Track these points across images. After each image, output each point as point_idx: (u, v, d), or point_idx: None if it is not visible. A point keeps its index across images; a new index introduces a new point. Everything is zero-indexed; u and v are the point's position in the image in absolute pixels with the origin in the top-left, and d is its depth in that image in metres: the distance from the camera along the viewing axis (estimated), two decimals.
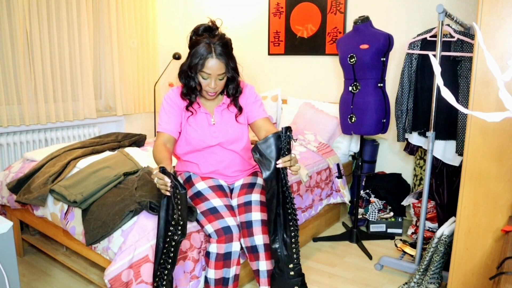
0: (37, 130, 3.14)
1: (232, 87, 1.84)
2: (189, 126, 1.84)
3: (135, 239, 1.62)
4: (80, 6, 3.21)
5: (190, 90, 1.79)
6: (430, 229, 2.60)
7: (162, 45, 3.99)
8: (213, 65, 1.67)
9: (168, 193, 1.46)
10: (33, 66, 3.00)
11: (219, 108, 1.87)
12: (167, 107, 1.83)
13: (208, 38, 1.68)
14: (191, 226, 1.75)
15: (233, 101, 1.88)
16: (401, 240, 2.77)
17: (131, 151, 2.40)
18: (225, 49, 1.69)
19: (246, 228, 1.76)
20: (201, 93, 1.80)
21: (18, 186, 2.15)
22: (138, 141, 2.72)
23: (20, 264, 2.36)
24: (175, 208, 1.48)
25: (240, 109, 1.88)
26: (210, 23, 1.73)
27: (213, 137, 1.85)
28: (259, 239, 1.73)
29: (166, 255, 1.53)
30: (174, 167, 2.06)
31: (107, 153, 2.34)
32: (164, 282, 1.53)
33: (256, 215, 1.77)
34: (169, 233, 1.51)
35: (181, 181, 1.52)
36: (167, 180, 1.44)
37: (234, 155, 1.90)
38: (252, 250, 1.73)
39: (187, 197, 1.57)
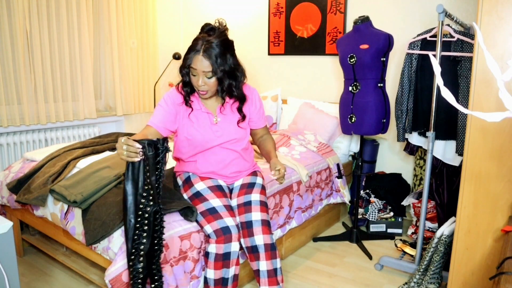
0: (37, 130, 3.14)
1: (230, 90, 1.77)
2: (191, 125, 1.82)
3: None
4: (80, 6, 3.21)
5: (187, 85, 1.78)
6: (430, 229, 2.60)
7: (162, 45, 3.99)
8: (197, 62, 1.65)
9: (136, 159, 1.40)
10: (33, 66, 3.00)
11: (222, 107, 1.85)
12: (163, 105, 1.80)
13: (206, 36, 1.68)
14: (191, 226, 1.75)
15: (238, 108, 1.85)
16: (401, 240, 2.77)
17: None
18: (217, 49, 1.65)
19: (246, 228, 1.76)
20: (197, 92, 1.78)
21: (18, 186, 2.15)
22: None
23: (20, 264, 2.36)
24: (145, 176, 1.43)
25: (243, 117, 1.86)
26: (215, 24, 1.73)
27: (216, 136, 1.83)
28: (260, 239, 1.73)
29: (140, 230, 1.45)
30: (173, 168, 2.06)
31: (107, 153, 2.35)
32: (141, 259, 1.46)
33: (256, 215, 1.77)
34: (141, 206, 1.45)
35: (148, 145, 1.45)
36: (138, 146, 1.40)
37: (234, 154, 1.89)
38: (253, 250, 1.74)
39: (162, 166, 1.49)
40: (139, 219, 1.45)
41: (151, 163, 1.42)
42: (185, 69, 1.71)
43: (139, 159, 1.41)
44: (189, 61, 1.68)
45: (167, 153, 1.48)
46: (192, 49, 1.67)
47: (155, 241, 1.48)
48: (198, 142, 1.82)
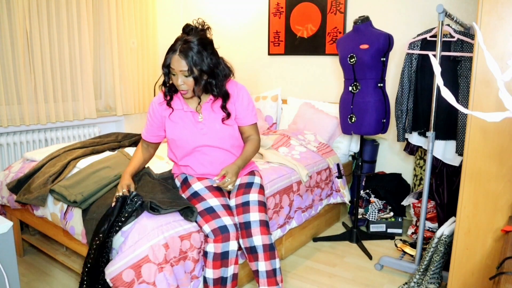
0: (37, 130, 3.14)
1: (209, 89, 1.77)
2: (175, 126, 1.82)
3: (135, 239, 1.62)
4: (80, 6, 3.21)
5: (169, 85, 1.80)
6: (430, 229, 2.60)
7: (162, 45, 3.99)
8: (175, 62, 1.67)
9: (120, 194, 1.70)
10: (33, 66, 3.00)
11: (206, 105, 1.84)
12: (148, 117, 1.91)
13: (184, 36, 1.70)
14: (191, 226, 1.75)
15: (222, 106, 1.83)
16: (401, 240, 2.77)
17: (131, 151, 2.40)
18: (195, 48, 1.65)
19: (244, 228, 1.76)
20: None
21: (18, 186, 2.15)
22: (138, 141, 2.72)
23: (20, 264, 2.36)
24: (120, 213, 1.66)
25: (228, 115, 1.83)
26: (194, 24, 1.74)
27: (202, 134, 1.81)
28: (258, 239, 1.73)
29: (106, 253, 1.65)
30: (171, 169, 2.06)
31: (107, 153, 2.35)
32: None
33: (255, 216, 1.77)
34: (111, 232, 1.65)
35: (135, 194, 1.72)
36: (124, 190, 1.73)
37: (225, 153, 1.87)
38: (251, 251, 1.74)
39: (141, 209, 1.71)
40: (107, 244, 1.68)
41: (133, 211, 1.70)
42: (165, 69, 1.73)
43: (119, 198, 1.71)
44: (167, 61, 1.70)
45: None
46: (170, 49, 1.69)
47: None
48: (184, 141, 1.82)
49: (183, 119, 1.83)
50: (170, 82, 1.78)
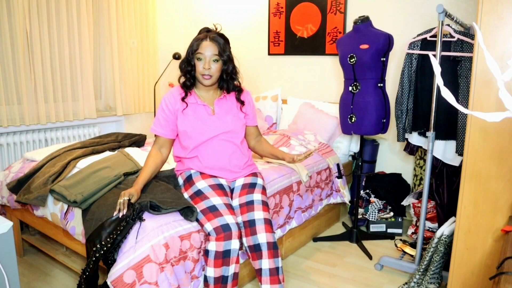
0: (37, 130, 3.14)
1: (230, 80, 1.92)
2: (188, 118, 1.88)
3: (136, 239, 1.62)
4: (80, 6, 3.21)
5: (189, 75, 1.87)
6: (430, 229, 2.60)
7: (162, 45, 3.99)
8: (207, 46, 1.80)
9: (120, 214, 1.63)
10: (33, 66, 3.00)
11: (218, 100, 1.94)
12: (164, 110, 1.91)
13: (206, 33, 1.87)
14: (191, 226, 1.75)
15: (236, 97, 1.97)
16: (401, 240, 2.77)
17: (131, 151, 2.40)
18: (220, 36, 1.84)
19: (249, 226, 1.76)
20: (199, 80, 1.87)
21: (18, 186, 2.15)
22: (138, 141, 2.72)
23: (20, 264, 2.36)
24: (117, 230, 1.62)
25: (242, 103, 1.97)
26: (211, 27, 1.90)
27: (214, 125, 1.89)
28: (263, 237, 1.74)
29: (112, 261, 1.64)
30: (173, 169, 2.06)
31: (107, 153, 2.34)
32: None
33: (259, 214, 1.78)
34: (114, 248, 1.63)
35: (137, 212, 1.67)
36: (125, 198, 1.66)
37: (233, 147, 1.93)
38: (255, 249, 1.74)
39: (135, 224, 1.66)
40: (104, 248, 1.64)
41: (128, 229, 1.65)
42: (190, 55, 1.82)
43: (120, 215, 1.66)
44: (195, 47, 1.81)
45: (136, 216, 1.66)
46: (196, 39, 1.83)
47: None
48: (196, 132, 1.88)
49: (196, 111, 1.91)
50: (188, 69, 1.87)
